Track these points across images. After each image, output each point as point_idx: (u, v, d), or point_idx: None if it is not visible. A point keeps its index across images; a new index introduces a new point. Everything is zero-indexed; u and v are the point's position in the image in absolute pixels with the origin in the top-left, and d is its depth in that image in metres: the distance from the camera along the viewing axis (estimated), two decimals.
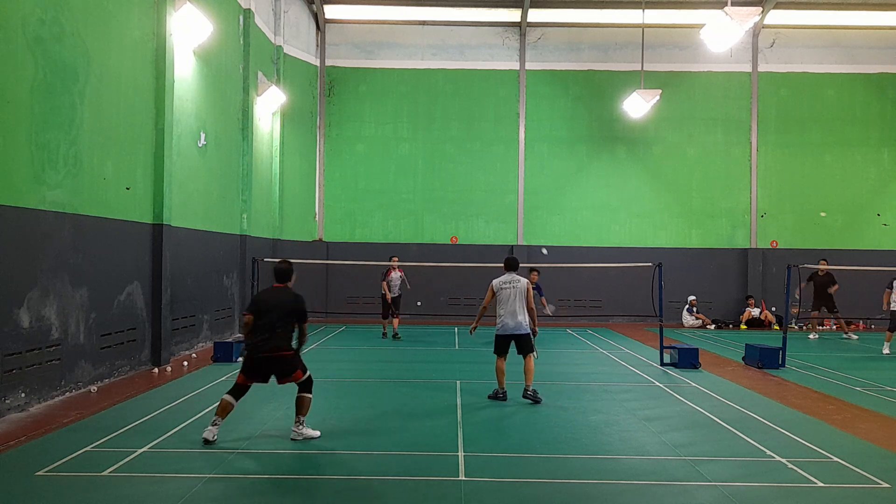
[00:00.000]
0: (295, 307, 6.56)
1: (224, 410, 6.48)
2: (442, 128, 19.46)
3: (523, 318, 8.34)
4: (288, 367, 6.55)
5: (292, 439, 6.48)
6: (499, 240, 19.33)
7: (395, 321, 14.77)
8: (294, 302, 6.59)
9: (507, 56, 19.45)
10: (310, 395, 6.63)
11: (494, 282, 8.46)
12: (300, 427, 6.54)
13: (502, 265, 8.62)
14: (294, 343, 6.65)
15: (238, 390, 6.58)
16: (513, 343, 8.45)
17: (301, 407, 6.57)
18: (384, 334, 14.93)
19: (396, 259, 14.70)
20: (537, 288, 13.49)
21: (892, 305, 13.42)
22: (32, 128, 7.64)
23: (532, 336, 8.51)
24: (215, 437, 6.36)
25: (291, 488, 5.25)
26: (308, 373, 6.67)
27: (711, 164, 19.49)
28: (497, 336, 8.47)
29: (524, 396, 8.26)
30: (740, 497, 5.11)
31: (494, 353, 8.55)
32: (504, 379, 8.47)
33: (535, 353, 8.51)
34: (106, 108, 9.18)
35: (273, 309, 6.49)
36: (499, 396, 8.43)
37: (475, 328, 8.83)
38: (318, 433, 6.63)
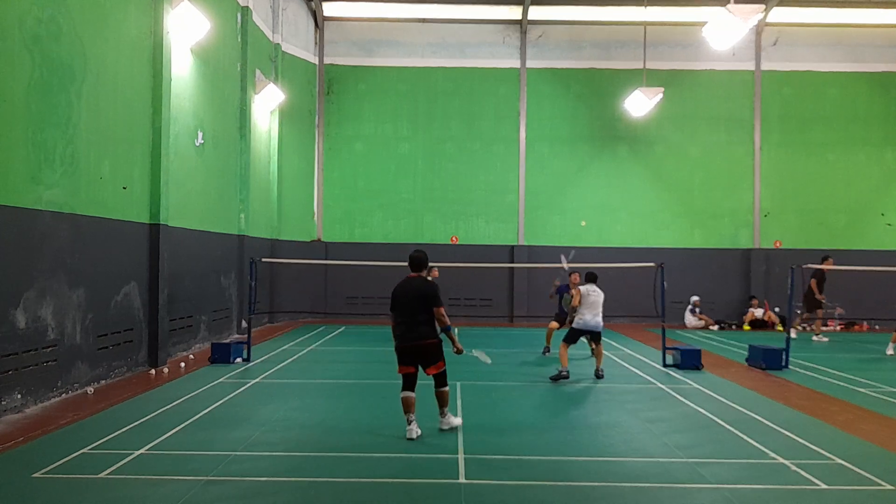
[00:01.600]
0: (426, 293, 6.63)
1: (408, 406, 6.65)
2: (442, 127, 19.39)
3: (601, 319, 10.30)
4: (433, 356, 6.69)
5: (440, 429, 6.81)
6: (499, 240, 19.26)
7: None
8: (425, 288, 6.68)
9: (507, 54, 19.38)
10: (447, 388, 6.82)
11: (582, 288, 10.51)
12: (446, 417, 6.85)
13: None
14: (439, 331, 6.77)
15: (406, 381, 6.72)
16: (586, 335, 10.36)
17: (442, 401, 6.82)
18: None
19: (436, 272, 14.18)
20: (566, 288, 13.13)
21: None
22: (29, 127, 7.58)
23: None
24: (418, 433, 6.61)
25: (290, 490, 5.20)
26: (444, 366, 6.81)
27: (714, 164, 19.42)
28: (574, 329, 10.23)
29: (596, 375, 10.15)
30: (743, 499, 5.06)
31: (564, 341, 10.16)
32: (567, 361, 9.92)
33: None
34: (103, 107, 9.13)
35: (408, 298, 6.62)
36: (562, 375, 9.76)
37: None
38: (459, 420, 7.00)
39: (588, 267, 14.84)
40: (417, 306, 6.57)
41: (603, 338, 13.87)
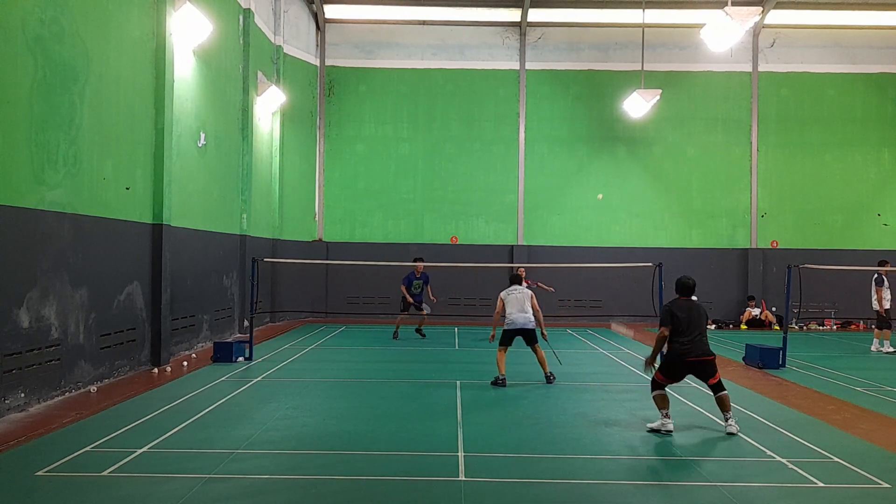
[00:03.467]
0: (705, 313, 7.51)
1: (664, 401, 7.16)
2: (442, 128, 19.44)
3: (530, 315, 9.61)
4: (712, 368, 7.21)
5: (729, 433, 6.89)
6: (499, 240, 19.31)
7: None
8: (703, 310, 7.52)
9: (507, 56, 19.44)
10: (726, 392, 7.18)
11: (502, 293, 9.81)
12: (730, 421, 7.03)
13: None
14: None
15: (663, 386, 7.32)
16: (519, 337, 9.65)
17: (724, 405, 7.10)
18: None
19: (523, 271, 14.46)
20: (424, 278, 14.58)
21: (874, 305, 13.43)
22: (32, 128, 7.63)
23: (542, 336, 9.81)
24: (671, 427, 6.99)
25: (291, 488, 5.24)
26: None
27: (712, 164, 19.48)
28: (505, 331, 9.67)
29: (548, 382, 9.62)
30: (740, 497, 5.11)
31: (500, 345, 9.69)
32: (504, 367, 9.55)
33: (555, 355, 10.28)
34: (105, 108, 9.18)
35: (694, 317, 7.30)
36: (498, 382, 9.43)
37: (494, 336, 10.16)
38: (736, 428, 7.00)
39: (587, 267, 14.88)
40: (702, 324, 7.29)
41: (600, 336, 14.02)
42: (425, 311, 14.70)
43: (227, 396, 8.44)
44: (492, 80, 19.41)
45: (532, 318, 9.63)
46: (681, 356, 7.15)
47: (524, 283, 14.55)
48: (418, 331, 14.89)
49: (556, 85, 19.46)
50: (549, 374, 9.66)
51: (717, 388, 7.15)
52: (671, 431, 6.94)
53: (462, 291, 18.78)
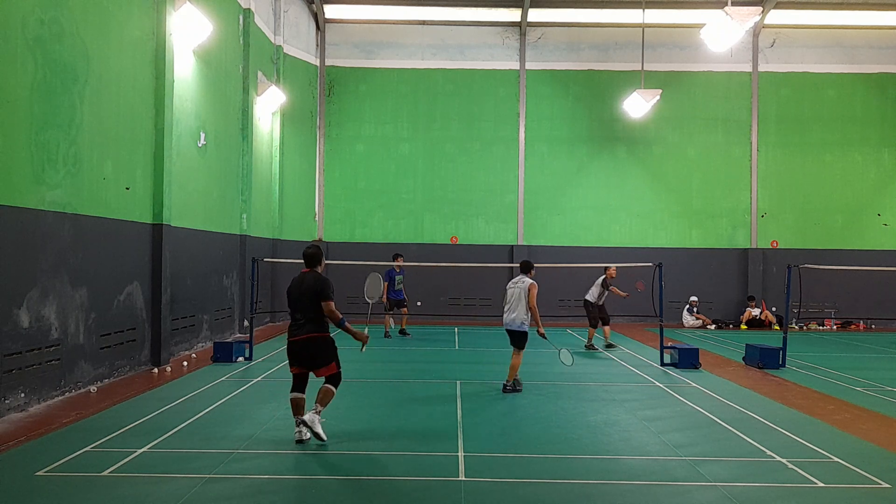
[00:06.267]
0: (316, 288, 6.55)
1: (295, 407, 6.46)
2: (442, 128, 19.45)
3: (517, 316, 8.96)
4: (321, 358, 6.57)
5: (310, 435, 6.36)
6: (499, 240, 19.31)
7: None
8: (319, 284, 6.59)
9: (507, 56, 19.44)
10: (332, 388, 6.61)
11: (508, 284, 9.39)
12: (315, 417, 6.35)
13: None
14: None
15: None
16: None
17: (322, 397, 6.51)
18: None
19: (614, 270, 13.92)
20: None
21: None
22: (32, 128, 7.63)
23: (540, 335, 9.15)
24: (307, 437, 6.34)
25: (291, 488, 5.25)
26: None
27: (712, 164, 19.48)
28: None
29: (503, 391, 8.91)
30: (740, 497, 5.11)
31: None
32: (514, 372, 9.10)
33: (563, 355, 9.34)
34: (105, 108, 9.18)
35: (303, 294, 6.54)
36: (507, 388, 9.04)
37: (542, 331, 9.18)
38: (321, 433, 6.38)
39: (587, 267, 14.87)
40: (308, 300, 6.51)
41: (600, 337, 13.98)
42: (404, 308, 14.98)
43: (226, 396, 8.44)
44: (492, 80, 19.41)
45: (518, 320, 8.89)
46: (289, 338, 6.50)
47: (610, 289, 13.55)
48: (402, 332, 14.93)
49: (556, 85, 19.46)
50: (507, 384, 8.86)
51: (327, 381, 6.50)
52: (301, 441, 6.22)
53: (462, 291, 18.79)
